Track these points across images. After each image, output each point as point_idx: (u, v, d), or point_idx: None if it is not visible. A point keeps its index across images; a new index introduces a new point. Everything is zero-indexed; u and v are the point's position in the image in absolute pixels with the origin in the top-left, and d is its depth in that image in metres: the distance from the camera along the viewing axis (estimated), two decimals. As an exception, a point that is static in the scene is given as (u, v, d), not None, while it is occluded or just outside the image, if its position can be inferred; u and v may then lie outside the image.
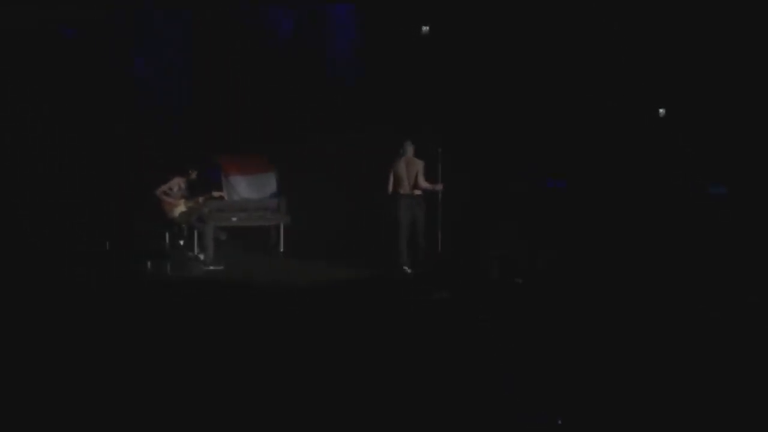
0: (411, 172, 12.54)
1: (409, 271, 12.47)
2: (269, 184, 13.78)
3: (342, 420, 6.48)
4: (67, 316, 9.39)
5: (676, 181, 14.37)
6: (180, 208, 13.10)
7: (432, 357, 7.81)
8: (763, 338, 8.56)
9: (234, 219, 13.34)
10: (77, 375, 7.35)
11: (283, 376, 7.33)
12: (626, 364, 7.58)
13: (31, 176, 14.09)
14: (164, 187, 13.08)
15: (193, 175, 13.25)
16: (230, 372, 7.43)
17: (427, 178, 12.63)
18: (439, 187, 12.62)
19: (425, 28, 14.63)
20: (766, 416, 6.50)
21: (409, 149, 12.63)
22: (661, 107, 14.60)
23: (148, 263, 12.48)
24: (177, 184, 13.11)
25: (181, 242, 13.36)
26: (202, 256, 12.94)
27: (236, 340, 8.47)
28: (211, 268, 12.66)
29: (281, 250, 13.55)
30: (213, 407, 6.66)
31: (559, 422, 6.33)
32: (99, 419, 6.49)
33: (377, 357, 7.83)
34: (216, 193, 13.37)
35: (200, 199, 13.16)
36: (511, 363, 7.68)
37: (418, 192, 12.57)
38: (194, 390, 7.01)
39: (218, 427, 6.42)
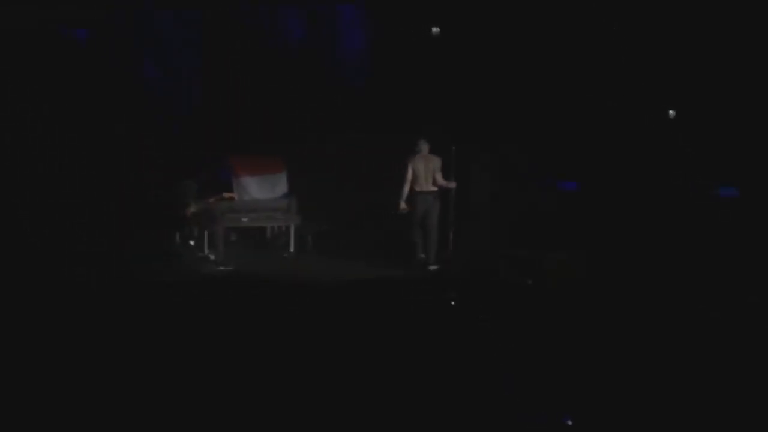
0: (429, 169, 12.72)
1: (426, 265, 12.64)
2: (280, 184, 13.82)
3: (342, 419, 6.48)
4: (68, 316, 9.38)
5: (676, 181, 14.37)
6: (190, 208, 13.16)
7: (432, 357, 7.81)
8: (763, 338, 8.56)
9: (244, 219, 13.42)
10: (78, 375, 7.34)
11: (283, 375, 7.33)
12: (627, 364, 7.57)
13: (31, 176, 14.08)
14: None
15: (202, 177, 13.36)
16: (231, 371, 7.43)
17: (443, 176, 12.77)
18: (453, 184, 12.75)
19: (436, 30, 14.64)
20: (766, 416, 6.50)
21: (424, 147, 12.77)
22: (671, 109, 14.61)
23: (158, 263, 12.50)
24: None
25: (192, 242, 13.41)
26: (212, 256, 12.98)
27: (240, 340, 8.47)
28: (221, 268, 12.69)
29: (291, 250, 13.59)
30: (214, 406, 6.66)
31: (569, 423, 6.34)
32: (102, 420, 6.49)
33: (378, 357, 7.83)
34: (227, 194, 13.45)
35: (211, 200, 13.23)
36: (511, 363, 7.68)
37: (434, 188, 12.69)
38: (197, 390, 7.01)
39: (217, 425, 6.42)
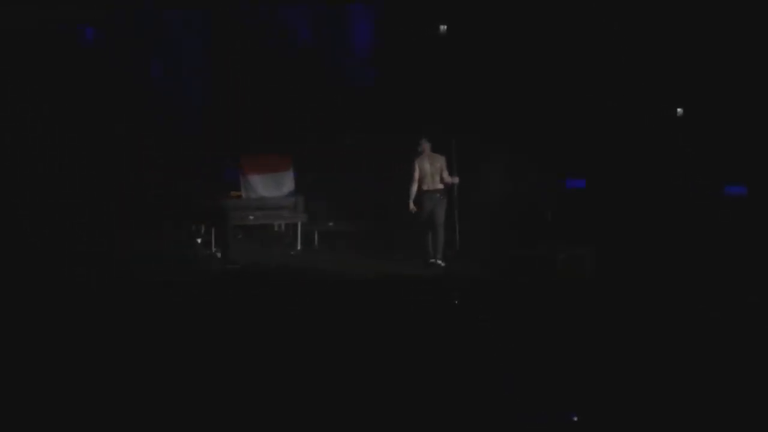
0: (435, 168, 12.78)
1: (434, 262, 12.69)
2: (286, 182, 13.86)
3: (340, 420, 6.48)
4: (68, 316, 9.38)
5: (676, 181, 14.39)
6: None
7: (432, 356, 7.82)
8: (763, 338, 8.56)
9: (251, 217, 13.48)
10: (79, 376, 7.35)
11: (286, 373, 7.34)
12: (626, 364, 7.58)
13: (31, 176, 14.10)
14: None
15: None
16: (234, 368, 7.44)
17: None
18: (456, 180, 12.80)
19: (443, 27, 14.66)
20: (766, 416, 6.50)
21: (427, 146, 12.81)
22: (677, 107, 14.63)
23: (164, 261, 12.54)
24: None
25: (199, 240, 13.46)
26: (219, 254, 13.03)
27: (245, 338, 8.49)
28: (228, 266, 12.73)
29: (298, 248, 13.64)
30: (216, 404, 6.66)
31: (575, 419, 6.35)
32: (103, 420, 6.49)
33: (377, 356, 7.83)
34: (234, 194, 13.53)
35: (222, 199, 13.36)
36: (511, 363, 7.69)
37: (440, 186, 12.73)
38: (200, 389, 7.02)
39: (217, 422, 6.43)
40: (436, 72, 14.85)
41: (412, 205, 12.74)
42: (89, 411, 6.61)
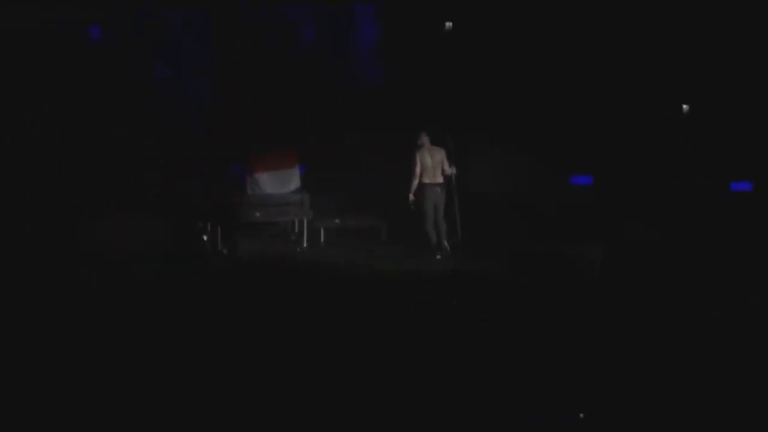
0: (436, 161, 12.86)
1: (440, 255, 12.79)
2: (292, 179, 13.90)
3: (340, 419, 6.48)
4: (68, 316, 9.37)
5: (676, 181, 14.39)
6: None
7: (432, 357, 7.81)
8: (763, 338, 8.55)
9: (258, 215, 13.53)
10: (80, 375, 7.34)
11: (285, 374, 7.34)
12: (626, 364, 7.57)
13: (31, 176, 14.09)
14: None
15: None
16: (232, 369, 7.44)
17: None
18: (454, 170, 12.81)
19: (449, 24, 14.69)
20: (766, 416, 6.49)
21: (426, 139, 12.86)
22: (683, 103, 14.64)
23: (169, 258, 12.55)
24: None
25: (205, 237, 13.49)
26: (225, 251, 13.07)
27: (244, 337, 8.49)
28: (233, 263, 12.77)
29: (304, 245, 13.67)
30: (214, 406, 6.66)
31: (581, 416, 6.35)
32: (103, 420, 6.49)
33: (377, 356, 7.83)
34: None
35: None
36: (511, 363, 7.68)
37: (441, 180, 12.76)
38: (196, 389, 7.02)
39: (212, 423, 6.44)
40: (437, 71, 14.87)
41: (412, 197, 12.82)
42: (90, 411, 6.61)
